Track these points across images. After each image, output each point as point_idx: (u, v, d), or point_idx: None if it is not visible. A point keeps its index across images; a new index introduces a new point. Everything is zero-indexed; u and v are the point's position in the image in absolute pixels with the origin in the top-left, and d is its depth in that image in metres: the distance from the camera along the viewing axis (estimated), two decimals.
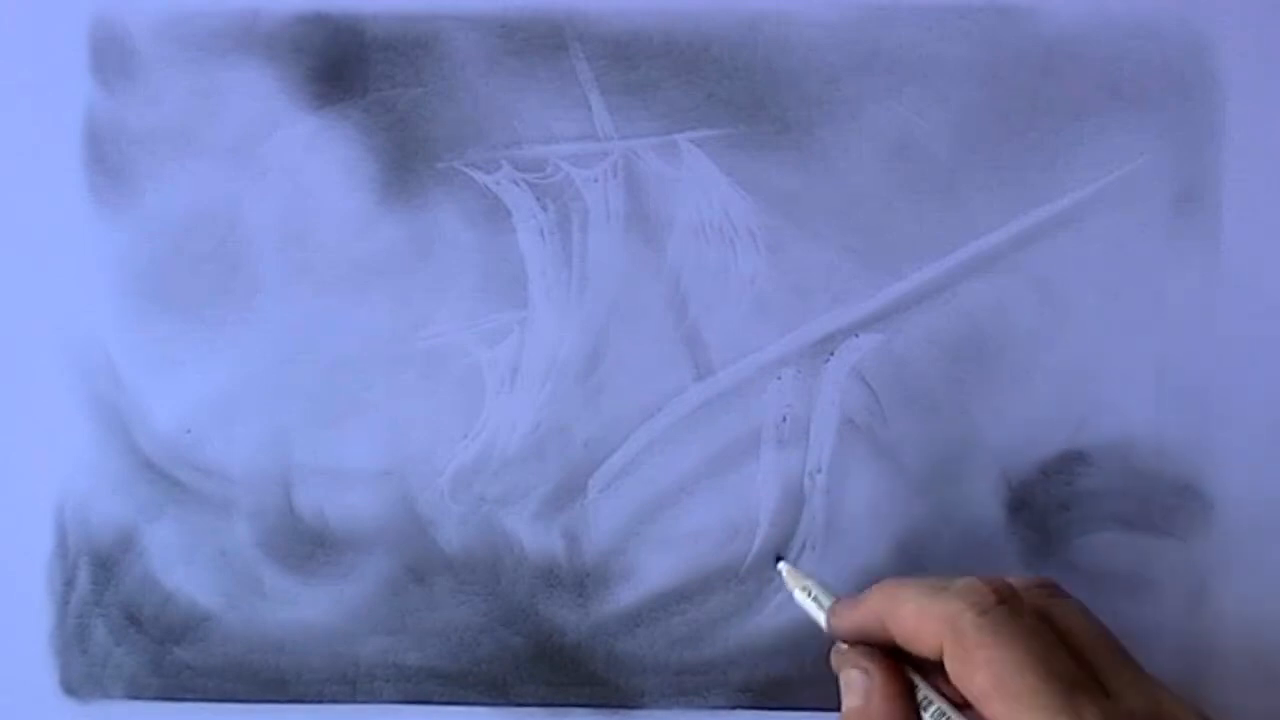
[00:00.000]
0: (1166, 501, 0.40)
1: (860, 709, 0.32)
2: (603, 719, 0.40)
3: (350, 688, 0.41)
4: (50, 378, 0.41)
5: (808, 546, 0.40)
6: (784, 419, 0.40)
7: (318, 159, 0.41)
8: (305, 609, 0.41)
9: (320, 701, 0.41)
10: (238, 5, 0.41)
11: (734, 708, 0.40)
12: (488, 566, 0.41)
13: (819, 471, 0.40)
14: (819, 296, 0.40)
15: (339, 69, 0.41)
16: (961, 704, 0.31)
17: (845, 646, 0.34)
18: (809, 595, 0.36)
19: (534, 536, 0.41)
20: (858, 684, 0.32)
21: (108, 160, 0.41)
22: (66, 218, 0.41)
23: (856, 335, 0.40)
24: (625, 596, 0.40)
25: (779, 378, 0.40)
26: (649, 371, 0.41)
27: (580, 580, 0.41)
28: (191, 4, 0.41)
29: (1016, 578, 0.32)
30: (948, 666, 0.29)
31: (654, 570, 0.40)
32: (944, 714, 0.31)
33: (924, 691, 0.32)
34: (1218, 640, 0.40)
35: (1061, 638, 0.30)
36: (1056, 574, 0.40)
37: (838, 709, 0.32)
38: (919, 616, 0.30)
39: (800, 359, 0.40)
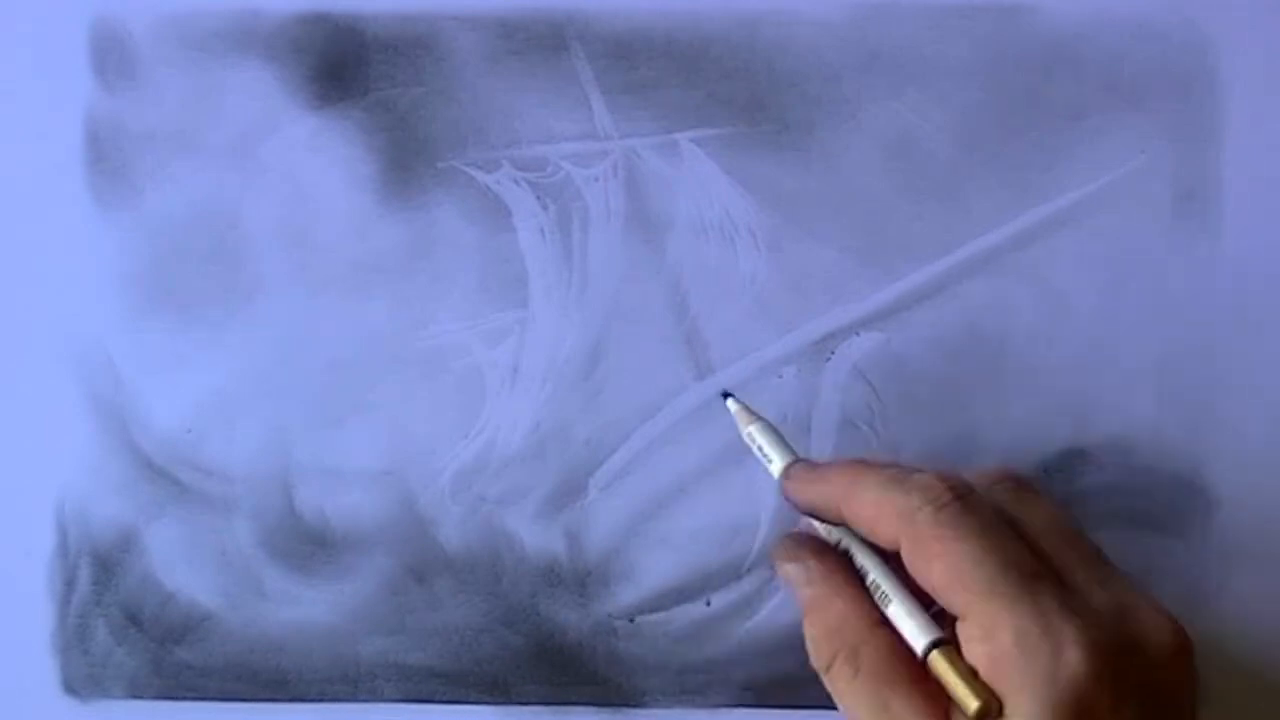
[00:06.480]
0: (1168, 499, 0.40)
1: (811, 596, 0.32)
2: (605, 718, 0.40)
3: (351, 687, 0.41)
4: (50, 378, 0.41)
5: None
6: (784, 418, 0.40)
7: (318, 159, 0.41)
8: (306, 609, 0.41)
9: (321, 701, 0.41)
10: (238, 5, 0.41)
11: (736, 706, 0.40)
12: (488, 566, 0.41)
13: None
14: (819, 296, 0.40)
15: (339, 69, 0.41)
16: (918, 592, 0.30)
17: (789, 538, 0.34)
18: (754, 444, 0.35)
19: (535, 536, 0.41)
20: (798, 576, 0.32)
21: (108, 160, 0.41)
22: (66, 218, 0.41)
23: (857, 334, 0.40)
24: (626, 595, 0.40)
25: (779, 377, 0.41)
26: (649, 371, 0.41)
27: (581, 579, 0.41)
28: (191, 4, 0.41)
29: (980, 472, 0.31)
30: (905, 559, 0.29)
31: (655, 569, 0.40)
32: (886, 594, 0.31)
33: (873, 575, 0.31)
34: (1218, 640, 0.40)
35: (1022, 532, 0.30)
36: None
37: None
38: (877, 508, 0.30)
39: (801, 358, 0.40)
